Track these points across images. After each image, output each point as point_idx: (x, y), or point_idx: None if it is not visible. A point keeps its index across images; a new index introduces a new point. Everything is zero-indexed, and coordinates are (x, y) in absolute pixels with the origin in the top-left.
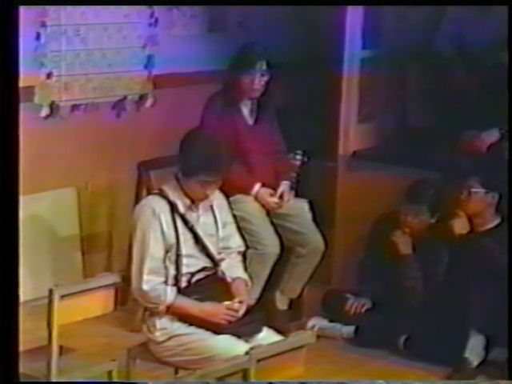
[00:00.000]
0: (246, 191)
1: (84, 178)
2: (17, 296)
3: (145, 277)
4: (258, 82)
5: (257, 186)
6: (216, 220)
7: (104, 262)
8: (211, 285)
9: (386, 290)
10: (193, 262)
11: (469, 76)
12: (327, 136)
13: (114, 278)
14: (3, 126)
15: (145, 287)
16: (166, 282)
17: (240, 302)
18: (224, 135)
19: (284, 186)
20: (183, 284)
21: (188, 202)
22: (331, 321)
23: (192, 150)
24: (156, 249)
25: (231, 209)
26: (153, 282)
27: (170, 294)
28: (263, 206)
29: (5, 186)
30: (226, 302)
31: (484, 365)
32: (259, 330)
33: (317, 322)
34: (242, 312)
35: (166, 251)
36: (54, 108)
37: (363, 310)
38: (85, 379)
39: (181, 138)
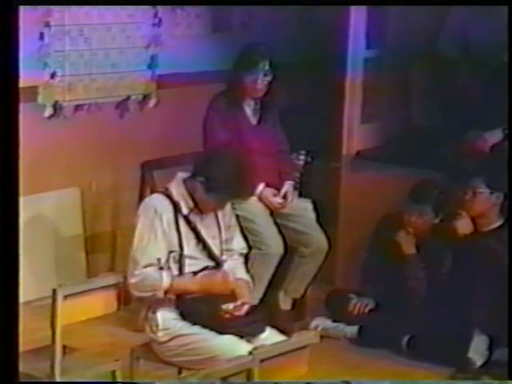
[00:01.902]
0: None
1: (88, 178)
2: (17, 296)
3: (136, 271)
4: (260, 81)
5: (260, 186)
6: (218, 222)
7: (107, 261)
8: None
9: (389, 290)
10: (195, 262)
11: (472, 76)
12: (331, 136)
13: (117, 278)
14: (3, 126)
15: (134, 280)
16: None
17: (243, 304)
18: (227, 135)
19: (288, 186)
20: None
21: (192, 204)
22: (334, 321)
23: (222, 169)
24: (155, 248)
25: (234, 209)
26: (145, 272)
27: (165, 277)
28: (267, 206)
29: (5, 186)
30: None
31: (488, 365)
32: (262, 330)
33: (320, 322)
34: (244, 311)
35: (170, 251)
36: (57, 108)
37: (366, 310)
38: (88, 379)
39: (188, 139)
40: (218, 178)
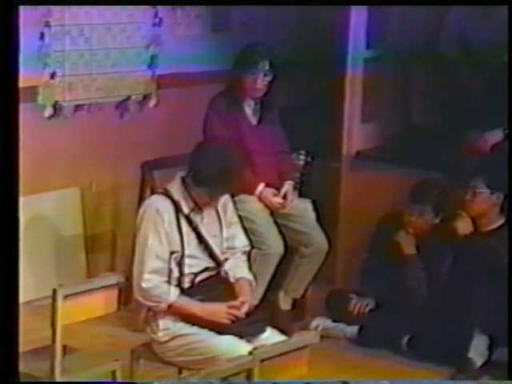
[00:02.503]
0: (250, 191)
1: (88, 178)
2: (17, 296)
3: (145, 275)
4: (260, 81)
5: (260, 186)
6: (220, 220)
7: (108, 261)
8: (214, 285)
9: (389, 290)
10: (196, 262)
11: (473, 76)
12: (331, 136)
13: (117, 278)
14: (3, 126)
15: (144, 285)
16: (168, 282)
17: (242, 303)
18: (227, 135)
19: (288, 185)
20: (186, 285)
21: (192, 203)
22: (335, 321)
23: (207, 162)
24: (160, 249)
25: (236, 209)
26: (154, 280)
27: (172, 293)
28: (267, 205)
29: (5, 186)
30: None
31: (488, 365)
32: (263, 330)
33: (320, 322)
34: (244, 312)
35: (172, 252)
36: (57, 108)
37: (367, 310)
38: (88, 379)
39: (188, 139)
40: (206, 171)
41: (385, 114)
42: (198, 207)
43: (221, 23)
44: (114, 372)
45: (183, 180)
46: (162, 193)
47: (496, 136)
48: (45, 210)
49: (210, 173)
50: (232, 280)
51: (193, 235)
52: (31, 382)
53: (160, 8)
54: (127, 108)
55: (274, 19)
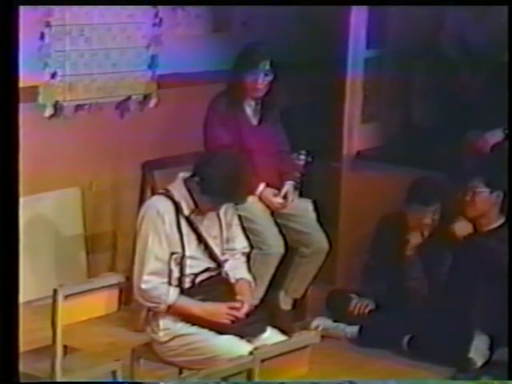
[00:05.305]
0: (250, 191)
1: (88, 178)
2: (17, 296)
3: (145, 277)
4: (261, 81)
5: (261, 186)
6: (220, 222)
7: (108, 261)
8: (215, 286)
9: (390, 290)
10: (196, 263)
11: (473, 76)
12: (331, 136)
13: (118, 278)
14: (3, 126)
15: (144, 286)
16: (168, 283)
17: (242, 303)
18: (228, 135)
19: (288, 186)
20: (187, 285)
21: (193, 205)
22: (335, 321)
23: (217, 172)
24: (160, 251)
25: (236, 209)
26: (153, 281)
27: (172, 294)
28: (267, 206)
29: (5, 186)
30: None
31: (488, 365)
32: (263, 330)
33: (321, 322)
34: (244, 312)
35: (172, 253)
36: (58, 108)
37: (367, 310)
38: (89, 379)
39: (188, 139)
40: (213, 180)
41: (385, 114)
42: (198, 210)
43: (221, 23)
44: (114, 372)
45: (185, 181)
46: (162, 193)
47: (496, 136)
48: (45, 210)
49: (218, 183)
50: (233, 281)
51: (193, 236)
52: (31, 382)
53: (160, 8)
54: (127, 108)
55: (273, 19)
